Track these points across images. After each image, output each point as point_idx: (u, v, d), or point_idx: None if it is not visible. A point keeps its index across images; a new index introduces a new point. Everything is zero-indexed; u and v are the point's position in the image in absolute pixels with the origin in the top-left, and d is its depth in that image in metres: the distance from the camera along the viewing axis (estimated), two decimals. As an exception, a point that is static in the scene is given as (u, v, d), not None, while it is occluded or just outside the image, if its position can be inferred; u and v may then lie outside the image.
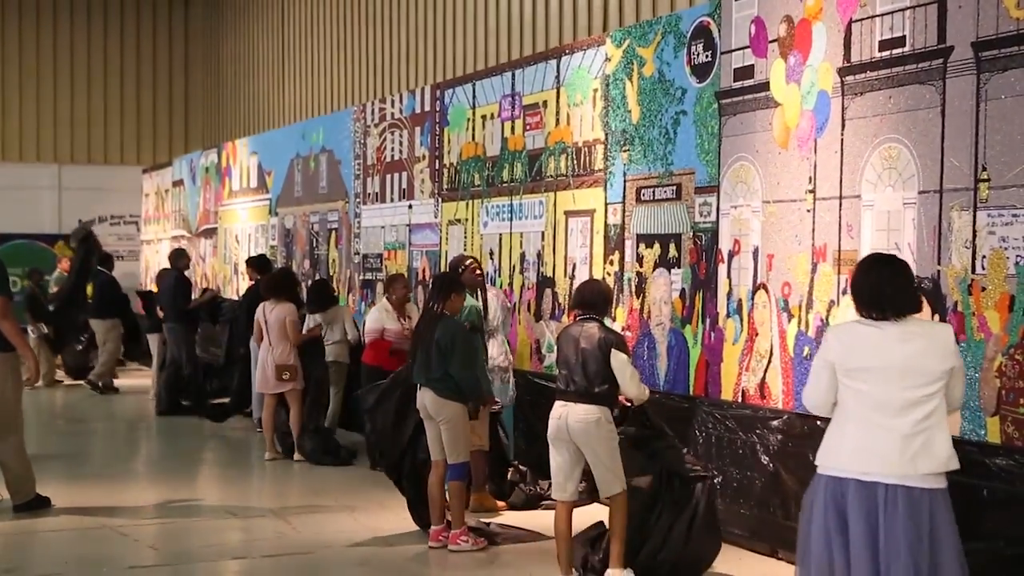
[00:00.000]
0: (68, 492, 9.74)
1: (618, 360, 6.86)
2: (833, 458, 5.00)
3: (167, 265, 16.37)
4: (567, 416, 6.90)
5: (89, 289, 16.07)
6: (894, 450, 4.85)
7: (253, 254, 16.00)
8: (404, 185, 12.85)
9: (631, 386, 6.92)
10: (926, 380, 4.90)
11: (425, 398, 8.05)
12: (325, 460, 11.20)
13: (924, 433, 4.87)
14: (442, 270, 11.36)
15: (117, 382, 17.36)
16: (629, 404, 7.12)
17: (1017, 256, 6.09)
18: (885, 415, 4.88)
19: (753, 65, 7.94)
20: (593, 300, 7.21)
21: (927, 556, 4.82)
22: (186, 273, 16.03)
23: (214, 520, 9.11)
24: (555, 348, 7.46)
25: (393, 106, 13.21)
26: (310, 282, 13.97)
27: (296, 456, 11.39)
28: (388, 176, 13.23)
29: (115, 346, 17.06)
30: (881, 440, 4.87)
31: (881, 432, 4.88)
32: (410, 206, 12.69)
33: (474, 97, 11.50)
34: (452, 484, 8.02)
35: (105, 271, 16.70)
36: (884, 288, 5.01)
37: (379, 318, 10.98)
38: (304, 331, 11.67)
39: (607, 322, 7.50)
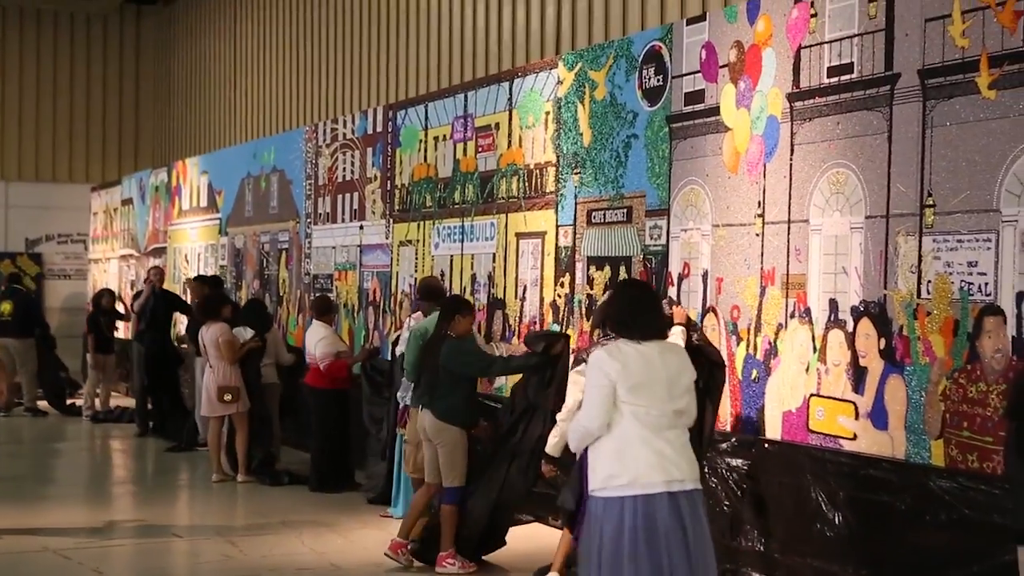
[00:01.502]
0: (8, 514, 9.60)
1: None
2: (630, 476, 5.17)
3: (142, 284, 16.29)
4: None
5: (7, 307, 15.98)
6: (682, 457, 5.24)
7: (203, 273, 15.91)
8: (355, 206, 12.82)
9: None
10: (682, 391, 5.34)
11: (424, 420, 8.07)
12: (272, 480, 11.13)
13: (688, 441, 5.35)
14: (393, 291, 11.33)
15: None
16: None
17: (961, 281, 6.16)
18: (662, 427, 5.23)
19: (704, 90, 8.00)
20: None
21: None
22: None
23: (160, 542, 9.02)
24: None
25: (345, 126, 13.19)
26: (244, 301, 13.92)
27: (241, 477, 11.29)
28: (339, 196, 13.19)
29: (34, 366, 16.79)
30: (668, 450, 5.21)
31: (664, 443, 5.21)
32: (361, 227, 12.66)
33: (426, 118, 11.50)
34: (445, 507, 8.00)
35: (23, 288, 16.53)
36: (635, 310, 5.43)
37: (334, 342, 11.00)
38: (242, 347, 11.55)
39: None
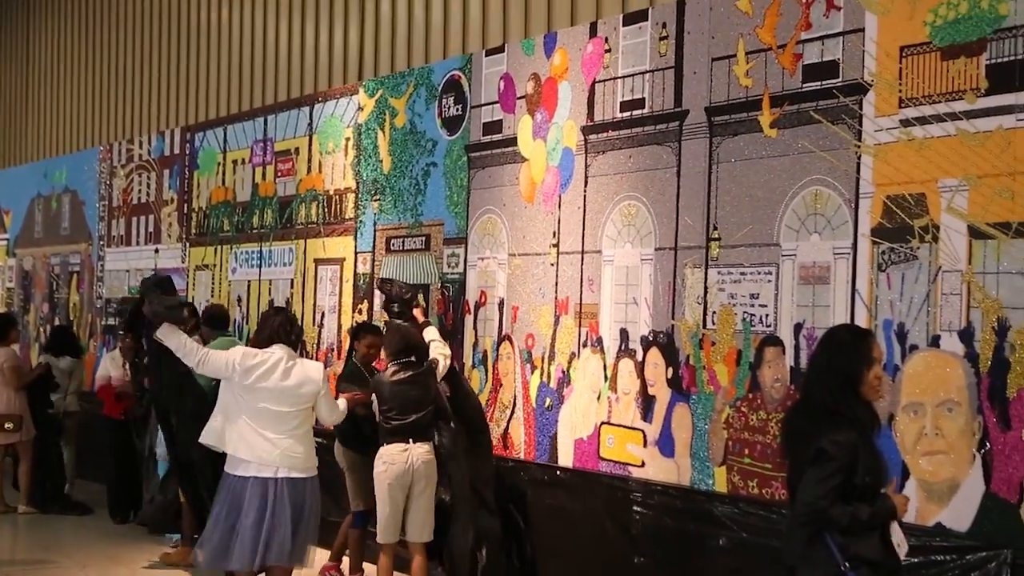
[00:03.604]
0: None
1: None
2: (236, 461, 6.38)
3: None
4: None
5: None
6: (279, 451, 6.36)
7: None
8: (151, 228, 12.51)
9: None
10: (303, 398, 6.49)
11: (335, 447, 7.97)
12: (60, 511, 10.73)
13: (292, 438, 6.41)
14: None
15: None
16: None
17: (744, 312, 6.37)
18: (272, 425, 6.37)
19: (502, 120, 8.09)
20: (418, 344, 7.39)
21: (303, 522, 6.44)
22: None
23: (-68, 578, 8.58)
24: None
25: (141, 147, 12.87)
26: (50, 327, 13.41)
27: (23, 508, 10.83)
28: (134, 219, 12.84)
29: None
30: (269, 445, 6.35)
31: (269, 438, 6.36)
32: (156, 250, 12.35)
33: (225, 141, 11.31)
34: (351, 531, 7.99)
35: None
36: (276, 327, 6.59)
37: (105, 365, 10.71)
38: (31, 373, 11.11)
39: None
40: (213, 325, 9.14)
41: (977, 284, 5.32)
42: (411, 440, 7.13)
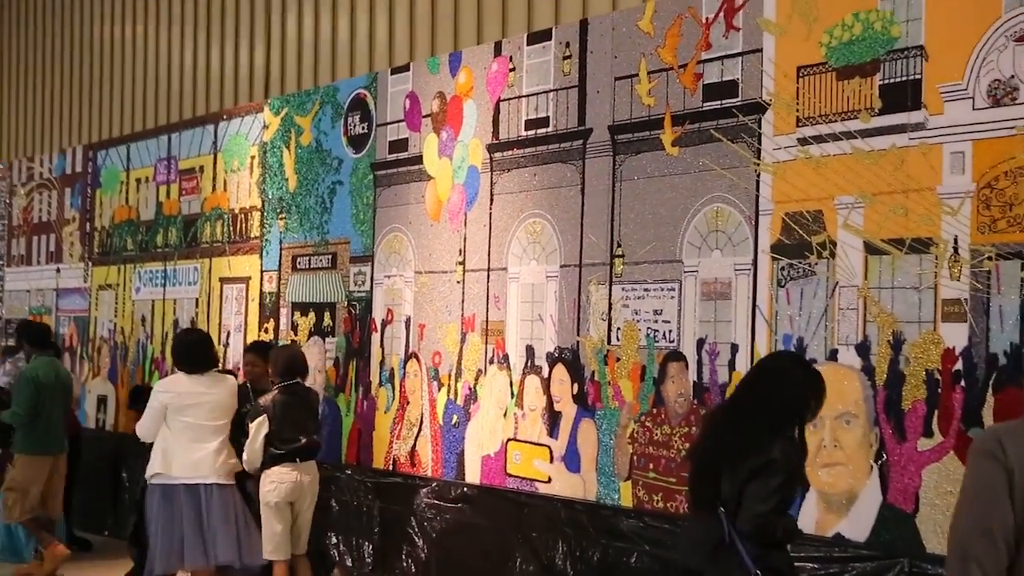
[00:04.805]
0: None
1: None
2: (167, 470, 7.05)
3: None
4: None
5: None
6: (208, 461, 7.08)
7: None
8: (52, 248, 12.29)
9: None
10: (223, 413, 7.22)
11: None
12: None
13: (225, 449, 7.16)
14: (91, 337, 10.92)
15: None
16: None
17: (648, 328, 6.43)
18: (203, 438, 7.09)
19: (407, 138, 8.10)
20: (303, 366, 7.48)
21: (238, 525, 7.18)
22: None
23: None
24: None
25: (42, 165, 12.65)
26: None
27: None
28: (35, 238, 12.62)
29: None
30: (202, 454, 7.07)
31: (200, 449, 7.07)
32: (58, 270, 12.13)
33: (128, 159, 11.17)
34: None
35: None
36: (197, 350, 7.33)
37: None
38: None
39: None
40: (34, 342, 9.07)
41: (873, 299, 5.44)
42: (298, 459, 7.14)
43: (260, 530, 7.21)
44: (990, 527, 3.09)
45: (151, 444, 7.22)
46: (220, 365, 8.53)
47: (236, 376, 8.14)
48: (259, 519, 7.25)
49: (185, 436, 7.08)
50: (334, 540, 8.30)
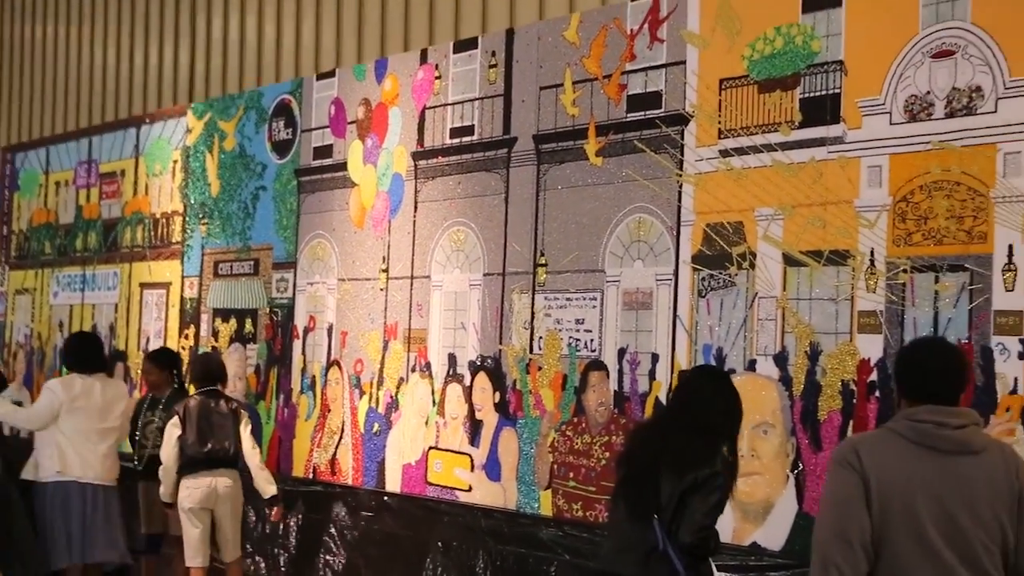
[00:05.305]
0: None
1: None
2: (59, 469, 7.15)
3: None
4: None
5: None
6: (98, 462, 7.22)
7: None
8: (-32, 250, 12.06)
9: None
10: (114, 417, 7.33)
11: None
12: None
13: (113, 453, 7.34)
14: (7, 342, 10.73)
15: None
16: None
17: (570, 337, 6.45)
18: (93, 439, 7.22)
19: (332, 145, 8.06)
20: (220, 373, 7.34)
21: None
22: None
23: None
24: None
25: (-41, 166, 12.41)
26: None
27: None
28: (-50, 240, 12.37)
29: None
30: (93, 456, 7.22)
31: (90, 450, 7.21)
32: (-26, 273, 11.91)
33: (47, 162, 11.00)
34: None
35: None
36: (90, 352, 7.43)
37: None
38: None
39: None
40: None
41: (791, 310, 5.50)
42: (212, 467, 7.05)
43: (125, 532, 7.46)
44: (848, 533, 3.23)
45: (31, 449, 7.33)
46: (111, 370, 8.57)
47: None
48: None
49: (77, 437, 7.20)
50: (249, 549, 8.22)
